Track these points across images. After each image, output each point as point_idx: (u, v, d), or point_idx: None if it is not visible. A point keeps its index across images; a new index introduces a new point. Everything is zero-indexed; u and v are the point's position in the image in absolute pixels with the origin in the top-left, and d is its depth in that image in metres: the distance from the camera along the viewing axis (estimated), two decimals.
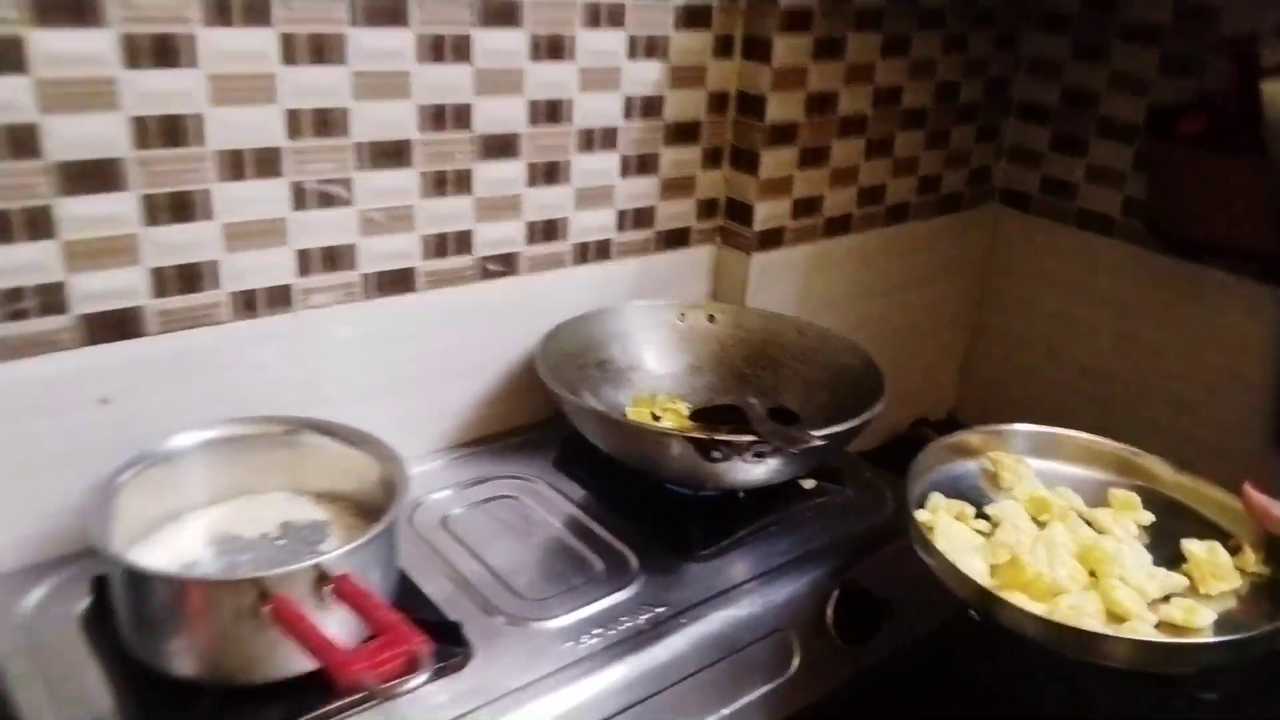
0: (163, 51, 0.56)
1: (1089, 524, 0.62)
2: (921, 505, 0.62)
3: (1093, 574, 0.58)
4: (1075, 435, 0.69)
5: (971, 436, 0.68)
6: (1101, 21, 0.94)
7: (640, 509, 0.70)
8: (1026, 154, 1.02)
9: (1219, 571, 0.57)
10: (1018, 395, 1.07)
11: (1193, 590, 0.57)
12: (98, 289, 0.58)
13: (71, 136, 0.54)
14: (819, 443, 0.61)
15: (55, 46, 0.52)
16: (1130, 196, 0.95)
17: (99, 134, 0.55)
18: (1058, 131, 0.99)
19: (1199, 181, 0.82)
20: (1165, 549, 0.60)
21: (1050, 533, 0.60)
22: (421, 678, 0.45)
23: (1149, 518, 0.63)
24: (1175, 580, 0.57)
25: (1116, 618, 0.54)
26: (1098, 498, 0.65)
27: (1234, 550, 0.59)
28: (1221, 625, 0.54)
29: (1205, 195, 0.82)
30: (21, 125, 0.53)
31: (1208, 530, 0.62)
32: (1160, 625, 0.54)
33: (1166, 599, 0.56)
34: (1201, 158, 0.82)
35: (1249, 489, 0.59)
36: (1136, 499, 0.64)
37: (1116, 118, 0.94)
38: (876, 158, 0.91)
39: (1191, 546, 0.59)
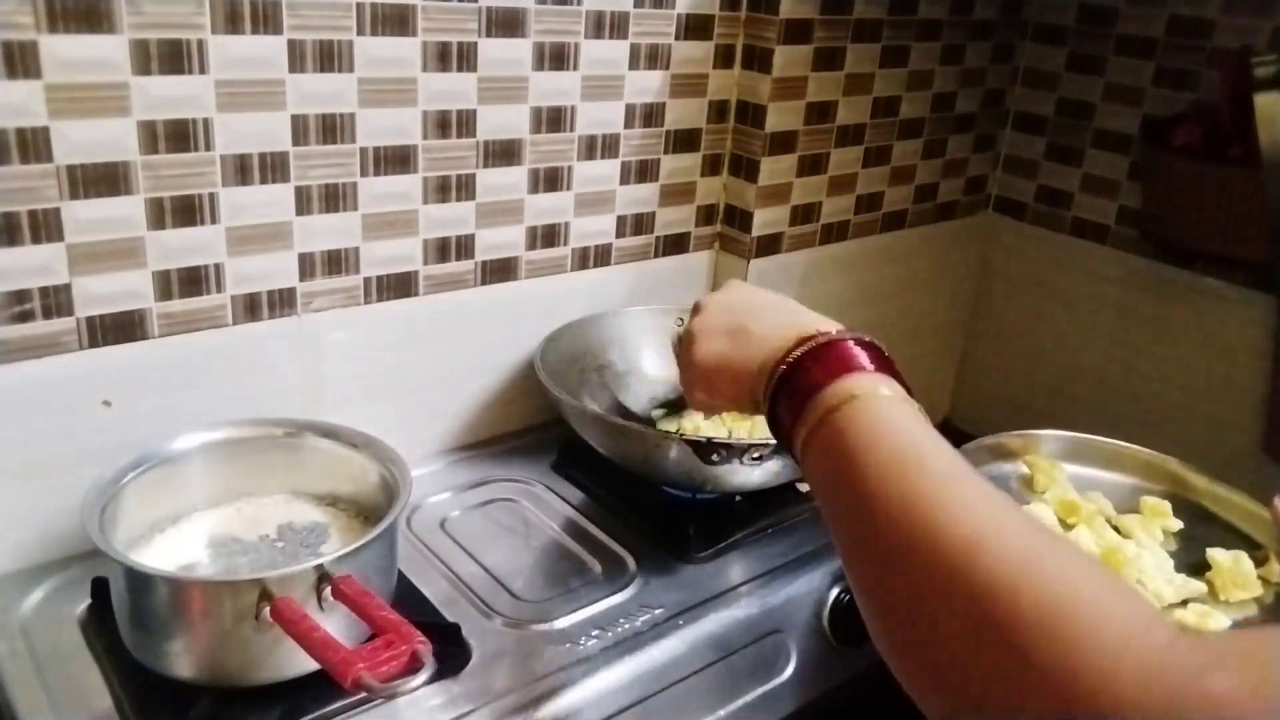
0: (173, 57, 0.56)
1: (1116, 529, 0.63)
2: None
3: None
4: (1111, 442, 0.70)
5: (1010, 439, 0.69)
6: (1097, 34, 0.95)
7: (638, 512, 0.70)
8: (1022, 163, 1.03)
9: (1241, 580, 0.58)
10: (1012, 400, 1.08)
11: (1213, 597, 0.58)
12: (102, 292, 0.58)
13: (81, 140, 0.55)
14: None
15: (67, 52, 0.53)
16: (1125, 205, 0.96)
17: (108, 138, 0.56)
18: (1053, 142, 1.00)
19: (1193, 191, 0.83)
20: (1192, 556, 0.61)
21: (1074, 535, 0.61)
22: (421, 678, 0.45)
23: (1177, 525, 0.64)
24: (1195, 586, 0.58)
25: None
26: (1130, 504, 0.66)
27: (1261, 561, 0.60)
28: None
29: (1199, 204, 0.83)
30: (32, 129, 0.53)
31: (1237, 540, 0.62)
32: None
33: (1185, 604, 0.57)
34: (1195, 168, 0.83)
35: (1277, 503, 0.60)
36: (1167, 506, 0.64)
37: (1111, 128, 0.95)
38: (874, 166, 0.92)
39: (1216, 555, 0.59)
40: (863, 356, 0.41)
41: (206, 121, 0.58)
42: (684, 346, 0.51)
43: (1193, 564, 0.60)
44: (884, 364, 0.42)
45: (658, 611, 0.61)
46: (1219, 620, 0.55)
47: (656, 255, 0.85)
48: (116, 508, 0.54)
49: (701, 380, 0.49)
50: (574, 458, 0.75)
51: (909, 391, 0.41)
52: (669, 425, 0.74)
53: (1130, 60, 0.93)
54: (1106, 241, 0.98)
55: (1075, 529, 0.61)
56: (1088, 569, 0.33)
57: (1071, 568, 0.32)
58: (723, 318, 0.49)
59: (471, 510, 0.71)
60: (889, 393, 0.39)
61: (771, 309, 0.48)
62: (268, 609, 0.48)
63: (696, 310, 0.52)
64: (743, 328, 0.47)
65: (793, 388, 0.42)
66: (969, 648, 0.32)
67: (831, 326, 0.45)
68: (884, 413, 0.38)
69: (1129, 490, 0.67)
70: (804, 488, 0.74)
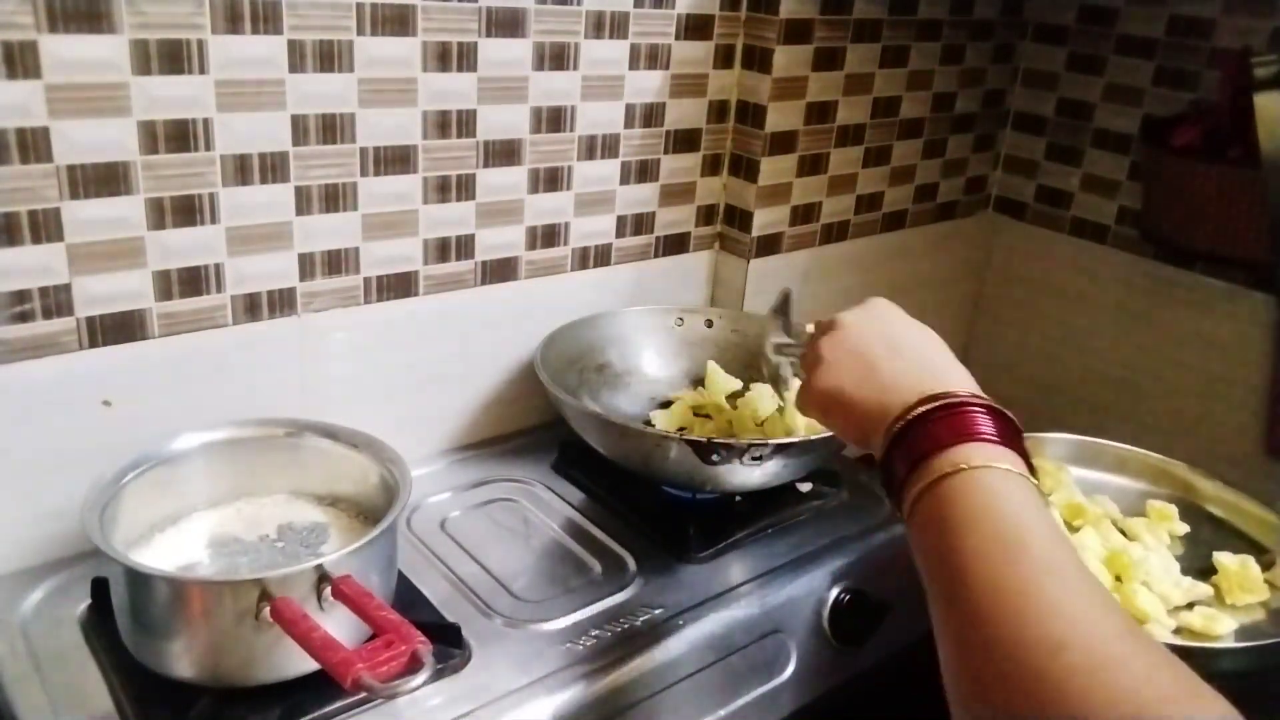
0: (173, 57, 0.56)
1: (1123, 532, 0.63)
2: None
3: (1118, 579, 0.58)
4: (1118, 446, 0.70)
5: None
6: (1097, 35, 0.95)
7: (638, 512, 0.70)
8: (1022, 163, 1.03)
9: (1248, 584, 0.58)
10: (1012, 400, 1.07)
11: (1219, 601, 0.58)
12: (102, 292, 0.58)
13: (81, 141, 0.55)
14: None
15: (67, 52, 0.53)
16: (1124, 205, 0.96)
17: (108, 138, 0.56)
18: (1053, 142, 1.00)
19: (1192, 191, 0.83)
20: (1198, 560, 0.61)
21: (1080, 537, 0.61)
22: (421, 678, 0.45)
23: (1184, 528, 0.64)
24: (1201, 589, 0.58)
25: (1135, 621, 0.55)
26: (1136, 508, 0.66)
27: (1268, 565, 0.60)
28: (1243, 635, 0.55)
29: (1198, 204, 0.83)
30: (32, 129, 0.53)
31: (1244, 544, 0.63)
32: (1180, 631, 0.55)
33: (1191, 607, 0.57)
34: (1195, 168, 0.83)
35: None
36: (1173, 510, 0.65)
37: (1111, 128, 0.96)
38: (874, 166, 0.92)
39: (1223, 558, 0.59)
40: (986, 424, 0.39)
41: (206, 121, 0.58)
42: (809, 363, 0.49)
43: (1199, 568, 0.60)
44: (1008, 434, 0.40)
45: (658, 611, 0.61)
46: (1225, 624, 0.55)
47: (656, 255, 0.85)
48: (116, 508, 0.54)
49: (818, 404, 0.47)
50: (574, 458, 0.75)
51: (1029, 465, 0.40)
52: (668, 424, 0.75)
53: (1130, 60, 0.93)
54: (1106, 241, 0.98)
55: (1081, 532, 0.61)
56: (1170, 680, 0.32)
57: (1151, 680, 0.32)
58: (856, 345, 0.46)
59: (472, 510, 0.71)
60: (1006, 466, 0.38)
61: (907, 350, 0.45)
62: (268, 609, 0.48)
63: (832, 326, 0.49)
64: (872, 366, 0.45)
65: (908, 447, 0.40)
66: None
67: (962, 385, 0.43)
68: (993, 487, 0.37)
69: (1135, 494, 0.67)
70: (805, 488, 0.75)
